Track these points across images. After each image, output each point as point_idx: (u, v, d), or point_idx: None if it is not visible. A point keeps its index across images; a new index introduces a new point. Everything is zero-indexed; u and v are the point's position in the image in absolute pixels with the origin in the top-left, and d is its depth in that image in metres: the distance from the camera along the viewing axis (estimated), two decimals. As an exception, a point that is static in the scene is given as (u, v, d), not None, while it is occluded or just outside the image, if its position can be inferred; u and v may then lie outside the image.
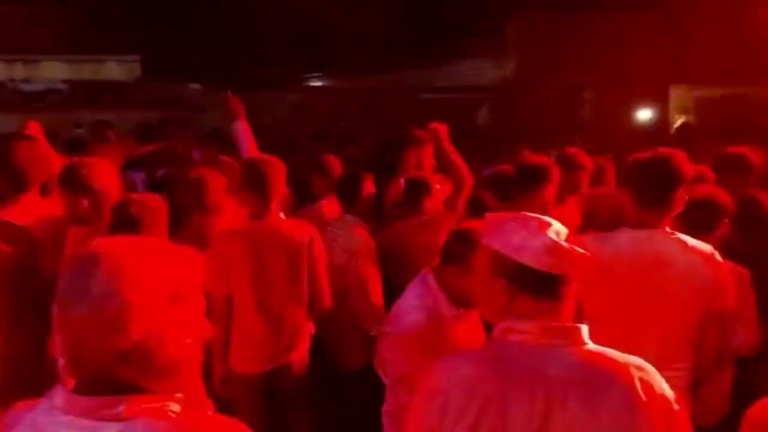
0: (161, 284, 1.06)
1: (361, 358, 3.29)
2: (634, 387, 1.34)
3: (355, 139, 6.76)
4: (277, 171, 3.06)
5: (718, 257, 2.26)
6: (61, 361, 1.07)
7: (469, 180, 3.61)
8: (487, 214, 1.56)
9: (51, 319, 1.09)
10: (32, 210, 2.70)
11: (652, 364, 1.42)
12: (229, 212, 3.28)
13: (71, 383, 1.08)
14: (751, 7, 10.62)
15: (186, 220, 3.13)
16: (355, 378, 3.36)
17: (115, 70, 16.77)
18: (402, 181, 3.72)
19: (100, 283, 1.03)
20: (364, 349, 3.23)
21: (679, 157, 2.29)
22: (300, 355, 3.13)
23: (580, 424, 1.32)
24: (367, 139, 7.28)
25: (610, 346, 1.43)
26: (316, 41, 15.38)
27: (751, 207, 3.02)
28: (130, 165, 5.01)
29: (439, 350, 1.91)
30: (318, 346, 3.31)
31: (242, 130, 3.70)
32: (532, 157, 3.61)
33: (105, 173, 2.85)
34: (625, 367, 1.37)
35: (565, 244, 1.41)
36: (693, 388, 2.26)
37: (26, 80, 15.39)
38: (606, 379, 1.35)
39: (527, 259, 1.40)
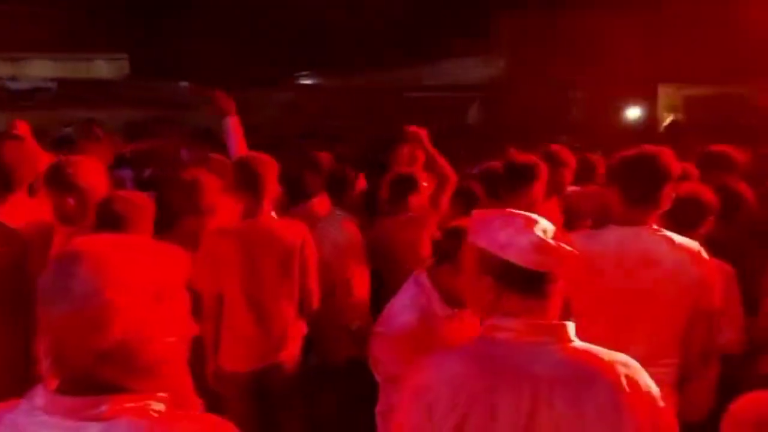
0: (144, 282, 1.05)
1: (347, 353, 3.29)
2: (620, 384, 1.34)
3: (345, 137, 6.77)
4: (270, 169, 3.04)
5: (705, 255, 2.27)
6: (44, 362, 1.06)
7: (452, 177, 3.62)
8: (474, 212, 1.55)
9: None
10: (21, 210, 2.68)
11: (640, 361, 1.42)
12: (221, 210, 3.26)
13: (54, 383, 1.07)
14: (740, 7, 10.71)
15: (178, 220, 3.11)
16: (345, 374, 3.36)
17: (103, 68, 16.68)
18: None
19: (81, 282, 1.02)
20: (350, 344, 3.24)
21: (666, 154, 2.29)
22: (290, 354, 3.12)
23: (567, 422, 1.33)
24: (358, 137, 7.29)
25: (598, 344, 1.43)
26: (308, 40, 15.37)
27: (732, 198, 3.05)
28: (118, 163, 4.99)
29: (431, 350, 1.90)
30: (308, 344, 3.32)
31: (233, 127, 3.68)
32: (520, 156, 3.61)
33: (91, 171, 2.81)
34: (610, 364, 1.37)
35: (551, 241, 1.40)
36: (679, 384, 2.28)
37: (14, 78, 15.27)
38: (592, 377, 1.35)
39: (514, 257, 1.39)
